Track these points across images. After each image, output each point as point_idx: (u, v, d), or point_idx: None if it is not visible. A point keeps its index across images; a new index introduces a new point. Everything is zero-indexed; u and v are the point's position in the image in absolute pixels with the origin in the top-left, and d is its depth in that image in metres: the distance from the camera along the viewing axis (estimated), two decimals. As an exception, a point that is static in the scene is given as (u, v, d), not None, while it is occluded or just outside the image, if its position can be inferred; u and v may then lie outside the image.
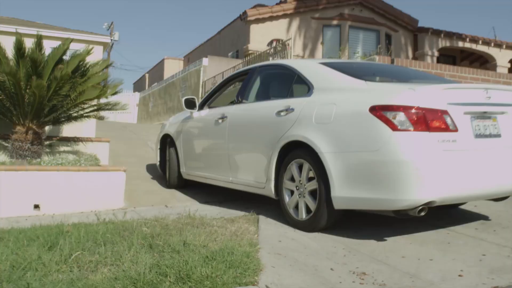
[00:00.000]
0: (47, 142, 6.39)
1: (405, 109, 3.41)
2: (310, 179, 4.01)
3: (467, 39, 18.95)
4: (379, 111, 3.48)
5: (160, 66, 29.21)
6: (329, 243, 3.70)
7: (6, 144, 5.98)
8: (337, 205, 3.72)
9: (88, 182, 5.47)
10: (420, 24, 19.15)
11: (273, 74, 5.06)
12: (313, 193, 3.97)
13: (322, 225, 3.88)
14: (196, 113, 5.86)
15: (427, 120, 3.40)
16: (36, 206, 5.25)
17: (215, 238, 3.66)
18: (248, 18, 15.93)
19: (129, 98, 23.73)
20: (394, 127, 3.39)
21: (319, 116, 3.93)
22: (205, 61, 16.16)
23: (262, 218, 4.50)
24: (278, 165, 4.35)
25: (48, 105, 5.65)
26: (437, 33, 18.74)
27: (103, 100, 6.22)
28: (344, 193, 3.64)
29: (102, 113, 13.30)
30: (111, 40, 35.34)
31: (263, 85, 5.06)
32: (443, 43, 18.91)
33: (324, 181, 3.79)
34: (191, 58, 23.42)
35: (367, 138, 3.53)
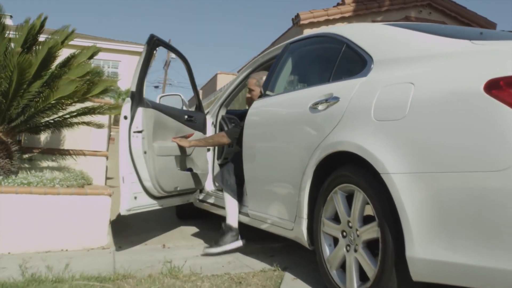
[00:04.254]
0: (26, 155, 4.97)
1: None
2: (366, 221, 2.28)
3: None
4: (506, 89, 1.71)
5: (213, 81, 28.30)
6: None
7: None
8: (417, 273, 1.95)
9: (59, 209, 3.96)
10: (498, 28, 16.83)
11: (309, 51, 3.35)
12: (371, 246, 2.22)
13: (388, 306, 2.11)
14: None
15: None
16: (-13, 243, 3.79)
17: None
18: (301, 22, 14.25)
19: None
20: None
21: (382, 107, 2.21)
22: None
23: (288, 277, 2.78)
24: (312, 194, 2.64)
25: (14, 105, 4.20)
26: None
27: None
28: (432, 253, 1.87)
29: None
30: (169, 58, 35.02)
31: (294, 69, 3.39)
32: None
33: (392, 226, 2.05)
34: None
35: (481, 143, 1.76)
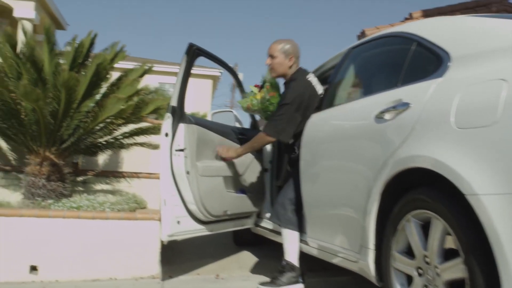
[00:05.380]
0: (80, 178, 4.85)
1: None
2: (448, 255, 1.81)
3: None
4: None
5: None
6: None
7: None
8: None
9: (108, 234, 3.74)
10: None
11: (373, 54, 2.93)
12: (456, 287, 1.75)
13: None
14: None
15: None
16: (34, 268, 3.61)
17: None
18: (368, 38, 13.79)
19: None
20: None
21: (465, 112, 1.76)
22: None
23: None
24: (380, 220, 2.20)
25: (64, 126, 4.08)
26: None
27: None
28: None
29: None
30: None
31: (357, 76, 2.97)
32: None
33: (483, 262, 1.59)
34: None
35: None
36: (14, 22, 10.92)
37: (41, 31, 3.97)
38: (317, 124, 2.94)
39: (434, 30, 2.32)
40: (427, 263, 1.89)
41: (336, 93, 2.99)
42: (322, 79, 3.43)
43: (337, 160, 2.66)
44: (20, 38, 4.08)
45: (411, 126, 2.03)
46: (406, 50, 2.40)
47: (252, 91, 3.51)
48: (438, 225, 1.83)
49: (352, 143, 2.51)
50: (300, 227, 3.11)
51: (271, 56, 3.31)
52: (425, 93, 2.02)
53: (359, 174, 2.37)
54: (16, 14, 11.48)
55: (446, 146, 1.78)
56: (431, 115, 1.94)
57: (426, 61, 2.21)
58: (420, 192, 1.98)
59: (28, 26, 10.77)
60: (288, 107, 3.08)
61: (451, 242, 1.80)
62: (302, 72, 3.29)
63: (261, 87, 3.46)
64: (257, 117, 4.00)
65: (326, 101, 3.00)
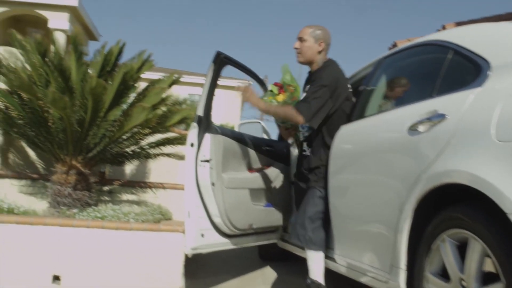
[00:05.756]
0: (106, 188, 4.83)
1: None
2: (488, 279, 1.67)
3: None
4: None
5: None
6: None
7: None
8: None
9: (132, 246, 3.68)
10: None
11: (406, 64, 2.80)
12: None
13: None
14: None
15: None
16: (56, 278, 3.58)
17: None
18: (400, 51, 13.56)
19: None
20: None
21: (508, 124, 1.63)
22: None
23: None
24: (412, 239, 2.07)
25: (91, 135, 4.06)
26: None
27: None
28: None
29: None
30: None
31: (389, 87, 2.85)
32: None
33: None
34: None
35: None
36: (49, 32, 11.16)
37: (79, 43, 3.97)
38: (347, 136, 2.82)
39: (472, 37, 2.20)
40: (464, 287, 1.75)
41: (367, 104, 2.87)
42: (353, 90, 3.31)
43: (367, 174, 2.54)
44: (52, 47, 4.11)
45: (447, 139, 1.90)
46: (441, 58, 2.27)
47: (271, 91, 3.28)
48: (476, 246, 1.69)
49: (384, 156, 2.39)
50: (326, 243, 2.97)
51: (300, 39, 3.09)
52: (463, 103, 1.89)
53: (391, 189, 2.24)
54: (50, 25, 11.75)
55: (485, 160, 1.66)
56: (469, 127, 1.81)
57: (464, 70, 2.09)
58: (456, 210, 1.85)
59: (62, 36, 10.98)
60: (325, 90, 2.84)
61: (490, 265, 1.66)
62: (334, 62, 3.08)
63: (281, 87, 3.24)
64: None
65: (357, 112, 2.88)
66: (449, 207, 1.90)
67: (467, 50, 2.11)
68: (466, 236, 1.76)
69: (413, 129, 2.15)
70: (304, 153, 3.14)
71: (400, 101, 2.61)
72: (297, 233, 2.97)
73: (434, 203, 2.00)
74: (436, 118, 2.01)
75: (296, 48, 3.11)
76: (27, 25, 12.81)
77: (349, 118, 2.94)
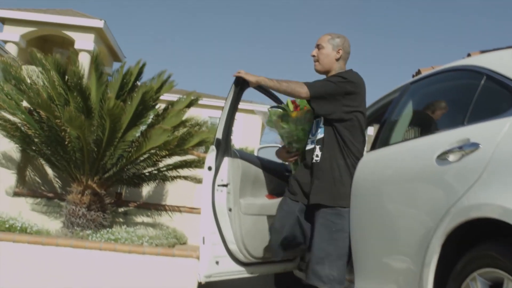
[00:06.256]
0: (121, 209, 4.77)
1: None
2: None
3: None
4: None
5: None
6: None
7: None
8: None
9: (145, 270, 3.59)
10: None
11: (435, 90, 2.67)
12: None
13: None
14: None
15: None
16: (66, 300, 3.50)
17: None
18: (424, 79, 13.41)
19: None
20: None
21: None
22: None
23: None
24: (440, 276, 1.92)
25: (108, 155, 4.01)
26: None
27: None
28: None
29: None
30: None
31: (416, 115, 2.72)
32: None
33: None
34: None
35: None
36: (74, 53, 11.31)
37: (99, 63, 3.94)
38: (371, 164, 2.68)
39: (506, 62, 2.07)
40: (498, 333, 1.60)
41: (392, 131, 2.74)
42: (377, 117, 3.19)
43: (393, 205, 2.40)
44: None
45: (480, 170, 1.76)
46: (474, 84, 2.15)
47: (287, 105, 3.12)
48: (511, 288, 1.54)
49: (410, 186, 2.25)
50: (348, 275, 2.81)
51: (318, 47, 2.92)
52: (498, 132, 1.76)
53: (417, 222, 2.11)
54: (77, 45, 11.93)
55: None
56: (505, 158, 1.68)
57: (498, 96, 1.96)
58: (488, 248, 1.70)
59: (86, 57, 11.12)
60: (338, 80, 2.72)
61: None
62: (354, 71, 2.88)
63: (297, 106, 3.08)
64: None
65: (381, 140, 2.76)
66: (481, 244, 1.76)
67: (501, 75, 1.99)
68: (500, 276, 1.62)
69: (442, 158, 2.01)
70: (314, 160, 2.84)
71: (428, 129, 2.48)
72: (315, 272, 2.65)
73: (464, 239, 1.86)
74: (469, 147, 1.88)
75: (313, 56, 2.96)
76: (54, 45, 13.06)
77: (362, 133, 2.75)
